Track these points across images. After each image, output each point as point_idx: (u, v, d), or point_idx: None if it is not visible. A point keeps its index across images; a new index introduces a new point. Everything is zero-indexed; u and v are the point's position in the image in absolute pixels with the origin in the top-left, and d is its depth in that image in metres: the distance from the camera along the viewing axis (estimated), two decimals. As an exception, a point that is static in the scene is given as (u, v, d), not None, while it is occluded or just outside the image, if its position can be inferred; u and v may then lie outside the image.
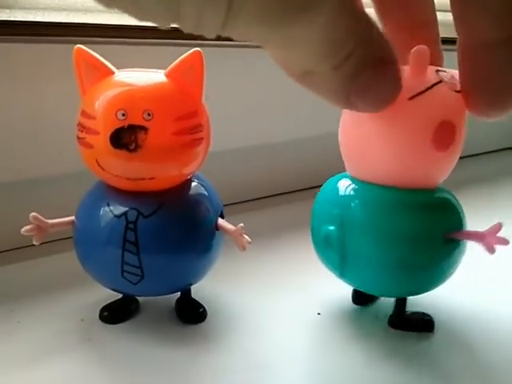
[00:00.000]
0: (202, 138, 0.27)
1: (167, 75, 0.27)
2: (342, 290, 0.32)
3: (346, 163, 0.29)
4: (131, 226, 0.26)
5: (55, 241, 0.36)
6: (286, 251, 0.40)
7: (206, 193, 0.29)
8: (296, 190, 0.51)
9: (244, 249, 0.27)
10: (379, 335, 0.29)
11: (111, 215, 0.27)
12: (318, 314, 0.31)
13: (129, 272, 0.27)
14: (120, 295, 0.30)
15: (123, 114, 0.25)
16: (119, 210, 0.27)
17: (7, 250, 0.38)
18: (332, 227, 0.27)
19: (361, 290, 0.30)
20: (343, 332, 0.30)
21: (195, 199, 0.29)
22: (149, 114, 0.25)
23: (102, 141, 0.25)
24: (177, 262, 0.27)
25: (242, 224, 0.27)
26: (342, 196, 0.28)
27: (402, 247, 0.26)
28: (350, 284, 0.30)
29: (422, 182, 0.27)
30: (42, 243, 0.28)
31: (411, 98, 0.24)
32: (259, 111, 0.47)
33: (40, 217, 0.28)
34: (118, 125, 0.25)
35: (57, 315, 0.31)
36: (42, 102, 0.37)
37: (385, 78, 0.20)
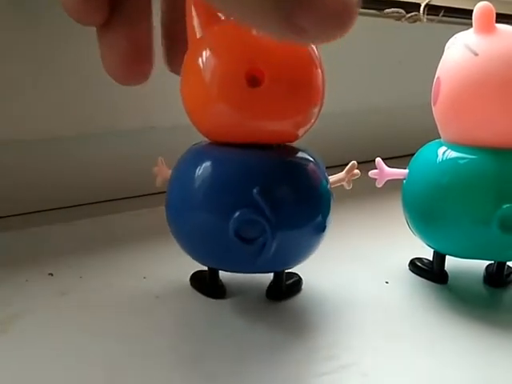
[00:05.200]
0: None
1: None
2: (409, 259, 0.32)
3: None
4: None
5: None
6: (350, 221, 0.39)
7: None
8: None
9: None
10: (447, 303, 0.29)
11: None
12: (386, 282, 0.30)
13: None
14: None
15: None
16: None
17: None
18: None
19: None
20: (411, 301, 0.29)
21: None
22: None
23: None
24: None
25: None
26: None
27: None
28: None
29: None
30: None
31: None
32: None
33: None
34: None
35: (118, 272, 0.30)
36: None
37: None
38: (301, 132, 0.26)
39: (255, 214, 0.23)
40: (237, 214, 0.23)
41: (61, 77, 0.34)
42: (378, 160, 0.30)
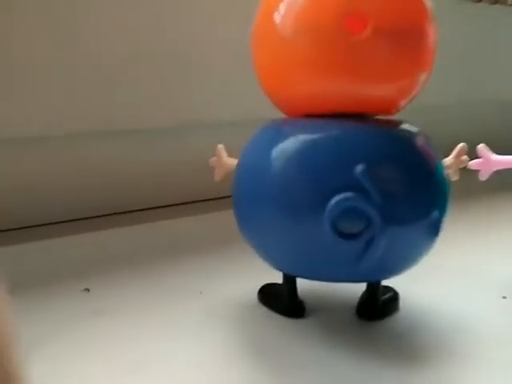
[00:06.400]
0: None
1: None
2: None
3: None
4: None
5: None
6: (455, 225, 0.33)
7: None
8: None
9: None
10: None
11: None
12: (504, 297, 0.25)
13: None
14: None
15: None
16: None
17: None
18: None
19: None
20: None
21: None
22: None
23: None
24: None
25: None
26: None
27: None
28: None
29: None
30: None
31: None
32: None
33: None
34: None
35: (169, 286, 0.25)
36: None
37: None
38: (403, 103, 0.21)
39: (360, 199, 0.18)
40: (335, 199, 0.18)
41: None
42: (482, 147, 0.24)
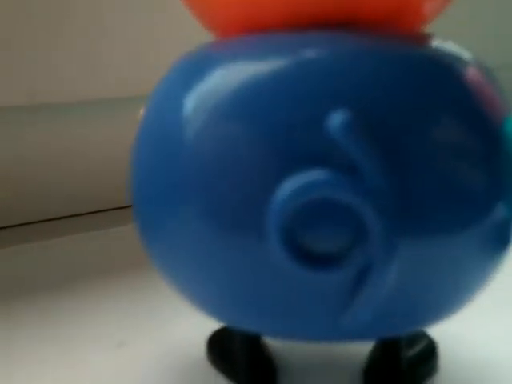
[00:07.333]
0: None
1: None
2: None
3: None
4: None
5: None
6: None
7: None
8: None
9: None
10: None
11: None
12: None
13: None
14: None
15: None
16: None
17: None
18: None
19: None
20: None
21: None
22: None
23: None
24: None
25: None
26: None
27: None
28: None
29: None
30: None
31: None
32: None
33: None
34: None
35: (80, 332, 0.16)
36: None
37: None
38: (425, 5, 0.11)
39: (340, 183, 0.08)
40: (290, 185, 0.09)
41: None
42: None
